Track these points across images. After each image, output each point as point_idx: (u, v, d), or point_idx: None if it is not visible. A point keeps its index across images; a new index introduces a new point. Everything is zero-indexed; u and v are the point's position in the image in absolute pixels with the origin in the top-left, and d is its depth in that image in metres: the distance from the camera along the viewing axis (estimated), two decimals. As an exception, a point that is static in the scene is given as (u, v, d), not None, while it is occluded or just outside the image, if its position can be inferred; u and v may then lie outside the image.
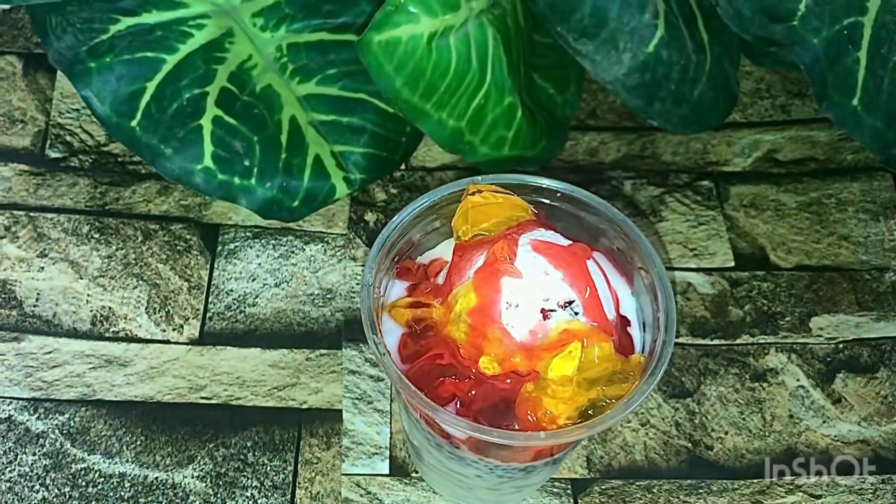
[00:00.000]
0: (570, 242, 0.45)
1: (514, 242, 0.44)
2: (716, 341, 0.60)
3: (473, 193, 0.46)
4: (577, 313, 0.43)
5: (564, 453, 0.47)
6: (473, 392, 0.43)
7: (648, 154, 0.67)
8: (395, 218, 0.46)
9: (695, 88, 0.59)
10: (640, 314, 0.46)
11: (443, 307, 0.44)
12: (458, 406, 0.43)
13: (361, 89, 0.61)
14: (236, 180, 0.58)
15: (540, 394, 0.42)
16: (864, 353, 0.59)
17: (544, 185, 0.47)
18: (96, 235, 0.61)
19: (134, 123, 0.57)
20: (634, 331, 0.46)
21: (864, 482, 0.55)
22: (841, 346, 0.60)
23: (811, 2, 0.54)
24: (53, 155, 0.64)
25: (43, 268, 0.59)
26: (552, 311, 0.42)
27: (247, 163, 0.58)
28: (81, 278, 0.59)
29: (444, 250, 0.48)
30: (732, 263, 0.63)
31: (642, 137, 0.68)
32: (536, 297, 0.43)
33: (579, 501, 0.53)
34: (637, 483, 0.54)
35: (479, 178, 0.47)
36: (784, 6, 0.55)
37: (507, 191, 0.47)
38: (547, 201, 0.48)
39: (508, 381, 0.42)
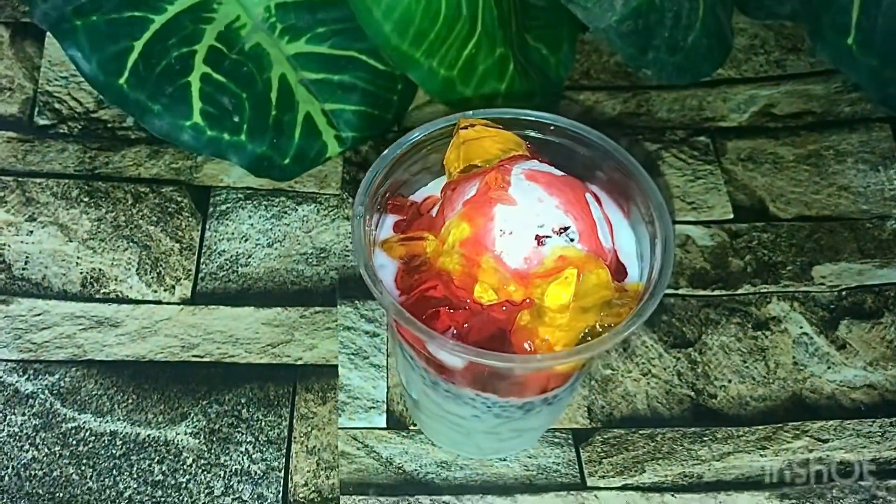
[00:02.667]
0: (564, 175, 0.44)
1: (506, 172, 0.43)
2: (716, 292, 0.59)
3: (465, 128, 0.45)
4: (572, 240, 0.42)
5: (563, 389, 0.46)
6: (468, 323, 0.42)
7: (644, 112, 0.66)
8: (385, 151, 0.45)
9: (688, 35, 0.59)
10: (638, 245, 0.45)
11: (436, 240, 0.43)
12: (453, 338, 0.42)
13: (352, 47, 0.61)
14: (226, 136, 0.57)
15: (536, 323, 0.41)
16: (868, 300, 0.58)
17: (536, 119, 0.47)
18: (86, 199, 0.60)
19: (121, 81, 0.57)
20: (632, 261, 0.45)
21: (872, 425, 0.53)
22: (844, 293, 0.59)
23: (803, -59, 0.54)
24: (42, 122, 0.63)
25: (32, 231, 0.58)
26: (547, 237, 0.42)
27: (236, 119, 0.58)
28: (71, 241, 0.58)
29: (436, 188, 0.47)
30: (731, 216, 0.62)
31: (637, 96, 0.67)
32: (531, 223, 0.42)
33: (581, 451, 0.52)
34: (640, 432, 0.53)
35: (471, 112, 0.46)
36: (776, -55, 0.54)
37: (499, 125, 0.46)
38: (540, 135, 0.47)
39: (504, 308, 0.41)
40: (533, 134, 0.47)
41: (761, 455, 0.52)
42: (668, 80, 0.60)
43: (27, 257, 0.57)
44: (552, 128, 0.47)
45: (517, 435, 0.49)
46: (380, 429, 0.53)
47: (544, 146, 0.47)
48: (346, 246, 0.59)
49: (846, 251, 0.60)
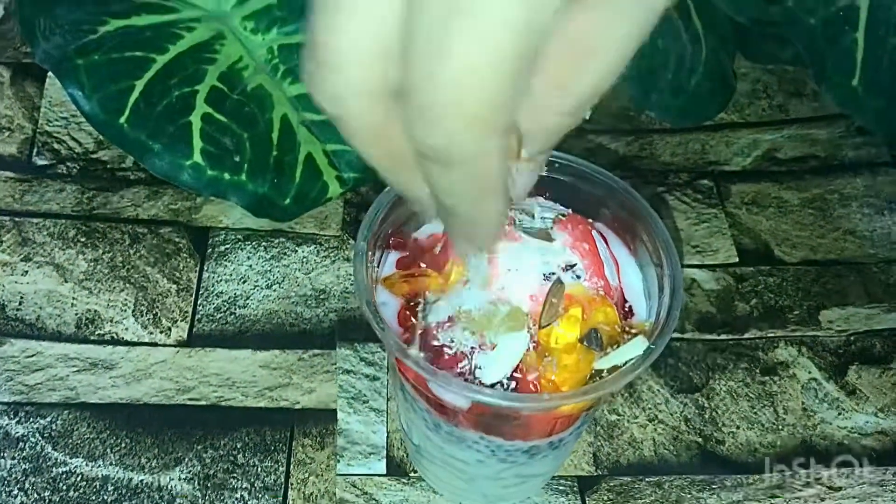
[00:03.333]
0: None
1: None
2: (723, 336, 0.58)
3: (469, 165, 0.45)
4: (579, 277, 0.41)
5: (569, 433, 0.44)
6: (473, 362, 0.40)
7: (646, 155, 0.66)
8: (389, 187, 0.44)
9: (692, 78, 0.58)
10: (645, 283, 0.44)
11: (440, 277, 0.42)
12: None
13: (354, 88, 0.60)
14: (226, 176, 0.56)
15: (542, 362, 0.40)
16: (877, 345, 0.57)
17: (541, 157, 0.46)
18: (83, 239, 0.59)
19: (122, 120, 0.56)
20: (639, 300, 0.44)
21: (885, 473, 0.52)
22: (852, 338, 0.58)
23: (806, -16, 0.54)
24: (40, 162, 0.62)
25: (27, 272, 0.57)
26: (553, 274, 0.41)
27: (237, 159, 0.57)
28: (66, 282, 0.57)
29: (440, 225, 0.46)
30: (736, 259, 0.61)
31: (640, 139, 0.67)
32: (536, 260, 0.41)
33: (587, 499, 0.51)
34: (647, 479, 0.52)
35: (475, 149, 0.46)
36: (779, -12, 0.54)
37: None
38: (545, 173, 0.46)
39: (509, 348, 0.40)
40: (537, 172, 0.46)
41: (772, 503, 0.51)
42: (671, 123, 0.60)
43: (21, 298, 0.56)
44: (556, 165, 0.46)
45: (522, 481, 0.48)
46: (379, 475, 0.51)
47: (550, 184, 0.46)
48: (347, 288, 0.58)
49: (853, 295, 0.59)
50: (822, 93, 0.54)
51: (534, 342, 0.40)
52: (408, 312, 0.42)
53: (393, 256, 0.45)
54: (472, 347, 0.40)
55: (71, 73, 0.56)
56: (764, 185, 0.65)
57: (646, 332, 0.42)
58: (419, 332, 0.40)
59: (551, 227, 0.42)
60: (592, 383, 0.39)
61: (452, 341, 0.41)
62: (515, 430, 0.42)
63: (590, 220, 0.45)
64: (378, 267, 0.44)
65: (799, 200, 0.64)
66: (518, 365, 0.40)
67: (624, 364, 0.39)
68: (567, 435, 0.45)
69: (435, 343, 0.41)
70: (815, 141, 0.67)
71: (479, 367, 0.40)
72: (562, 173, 0.46)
